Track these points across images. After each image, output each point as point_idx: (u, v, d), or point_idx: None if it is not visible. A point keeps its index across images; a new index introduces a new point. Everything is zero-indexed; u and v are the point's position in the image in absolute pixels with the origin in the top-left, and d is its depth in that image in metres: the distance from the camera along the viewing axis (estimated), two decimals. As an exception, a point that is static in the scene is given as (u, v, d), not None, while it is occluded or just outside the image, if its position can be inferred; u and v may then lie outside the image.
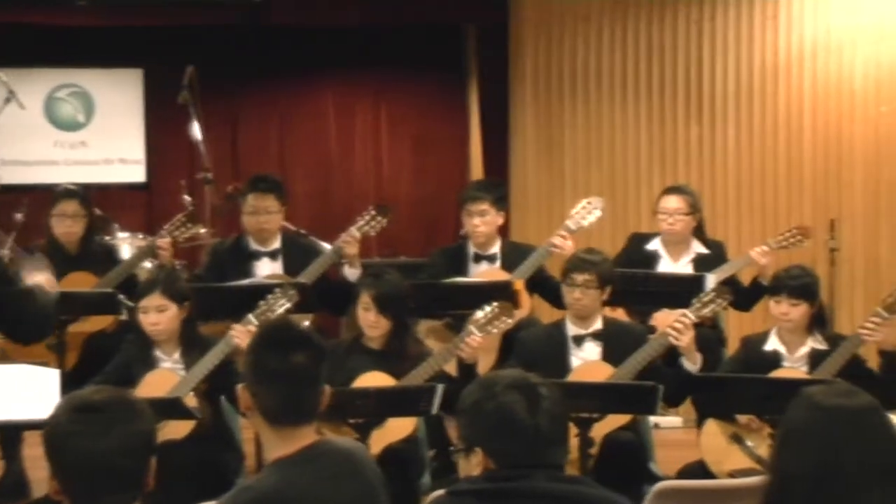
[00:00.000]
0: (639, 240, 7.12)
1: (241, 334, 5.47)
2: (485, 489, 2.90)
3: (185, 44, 8.97)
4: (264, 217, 6.71)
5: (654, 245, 6.94)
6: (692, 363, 5.64)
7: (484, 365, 6.02)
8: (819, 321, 5.81)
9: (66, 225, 6.78)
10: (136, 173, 9.31)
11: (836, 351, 5.59)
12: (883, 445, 2.66)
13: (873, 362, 5.78)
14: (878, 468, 2.63)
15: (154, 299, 5.58)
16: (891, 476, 2.64)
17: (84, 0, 8.83)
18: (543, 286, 6.69)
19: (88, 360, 6.29)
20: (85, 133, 9.33)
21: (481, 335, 5.58)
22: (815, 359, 5.67)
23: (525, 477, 2.87)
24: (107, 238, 7.66)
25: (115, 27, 8.92)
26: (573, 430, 5.03)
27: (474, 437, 2.95)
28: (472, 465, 2.96)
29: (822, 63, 8.89)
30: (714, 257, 6.88)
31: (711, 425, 5.61)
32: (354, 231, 6.57)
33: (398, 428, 5.45)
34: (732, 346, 6.52)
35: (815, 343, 5.73)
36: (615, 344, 5.78)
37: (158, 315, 5.57)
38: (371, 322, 5.67)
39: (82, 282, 6.60)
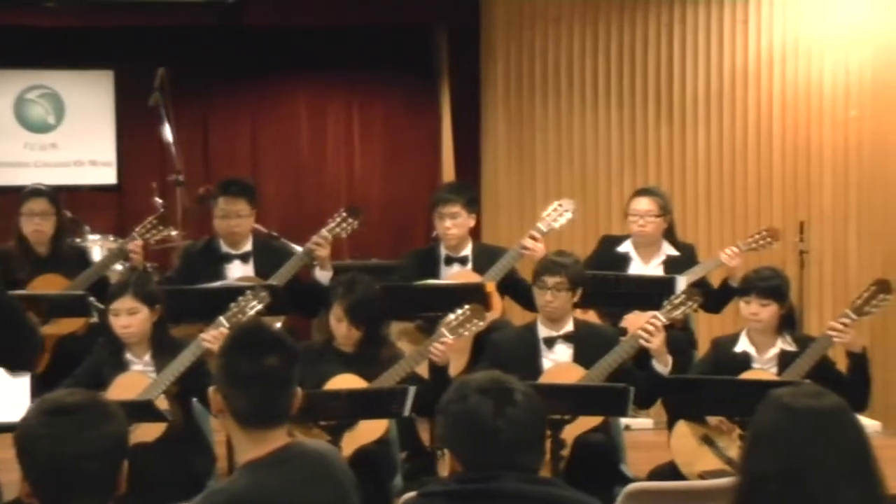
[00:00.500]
0: (610, 242, 7.14)
1: (212, 337, 5.46)
2: (455, 490, 2.91)
3: (156, 45, 8.95)
4: (235, 221, 6.69)
5: (625, 247, 6.96)
6: (663, 365, 5.67)
7: (456, 367, 6.03)
8: (788, 323, 5.84)
9: (35, 223, 6.74)
10: (107, 175, 9.28)
11: (806, 352, 5.62)
12: (851, 446, 2.68)
13: (842, 364, 5.82)
14: (846, 468, 2.65)
15: (125, 302, 5.56)
16: (859, 476, 2.66)
17: (53, 1, 8.79)
18: (515, 288, 6.70)
19: (59, 363, 6.26)
20: (55, 135, 9.30)
21: (453, 337, 5.59)
22: (785, 360, 5.70)
23: (495, 478, 2.88)
24: (77, 240, 7.64)
25: (86, 28, 8.90)
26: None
27: (444, 439, 2.98)
28: (446, 466, 2.98)
29: (792, 67, 8.94)
30: (684, 259, 6.90)
31: (682, 427, 5.63)
32: (326, 233, 6.57)
33: (370, 430, 5.45)
34: (703, 348, 6.55)
35: (784, 344, 5.77)
36: (586, 346, 5.80)
37: (129, 318, 5.55)
38: (343, 333, 5.69)
39: (53, 284, 6.57)
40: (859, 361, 5.71)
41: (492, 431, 2.88)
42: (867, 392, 5.74)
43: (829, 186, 8.94)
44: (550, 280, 5.83)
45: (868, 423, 6.64)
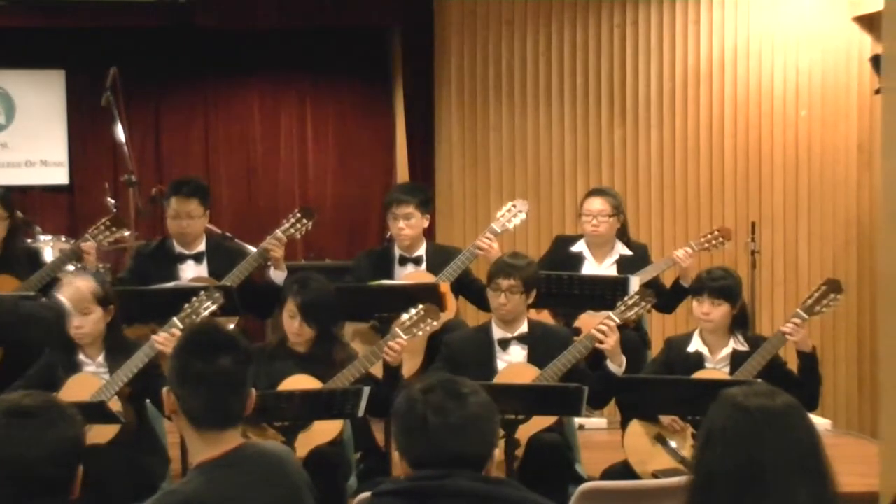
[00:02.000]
0: (563, 242, 7.16)
1: (166, 338, 5.44)
2: (406, 489, 2.92)
3: (108, 45, 8.89)
4: (186, 221, 6.66)
5: (579, 247, 6.99)
6: (617, 365, 5.69)
7: (409, 368, 6.04)
8: (740, 322, 5.87)
9: (-13, 225, 6.68)
10: (59, 175, 9.21)
11: (757, 352, 5.66)
12: (803, 444, 2.71)
13: (792, 363, 5.86)
14: (798, 466, 2.68)
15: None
16: (810, 474, 2.69)
17: (4, 0, 8.72)
18: (469, 289, 6.72)
19: (9, 364, 6.20)
20: (6, 135, 9.22)
21: (406, 338, 5.59)
22: (737, 360, 5.74)
23: (447, 477, 2.89)
24: (29, 241, 7.58)
25: (37, 28, 8.83)
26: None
27: (395, 438, 2.99)
28: (400, 466, 3.00)
29: (743, 68, 9.01)
30: (637, 259, 6.94)
31: (635, 426, 5.66)
32: (280, 234, 6.55)
33: (324, 431, 5.45)
34: (656, 348, 6.58)
35: (736, 344, 5.80)
36: (540, 346, 5.82)
37: (83, 318, 5.51)
38: (295, 330, 5.67)
39: (4, 285, 6.51)
40: (809, 361, 5.76)
41: (432, 431, 2.89)
42: (817, 391, 5.79)
43: (780, 187, 9.02)
44: (504, 283, 5.84)
45: (818, 421, 6.70)
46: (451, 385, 2.98)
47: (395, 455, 3.01)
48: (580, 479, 5.42)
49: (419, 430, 2.91)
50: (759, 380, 5.34)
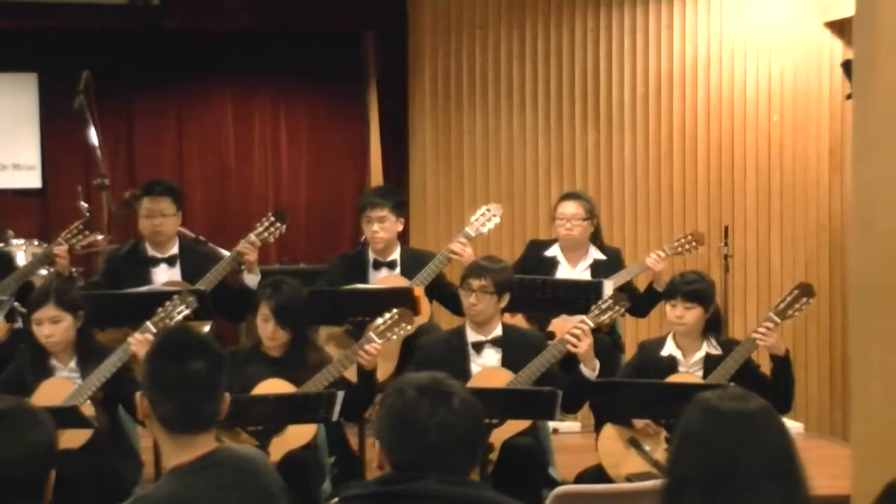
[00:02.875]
0: (537, 246, 7.17)
1: (139, 342, 5.43)
2: (374, 493, 2.91)
3: (81, 48, 8.85)
4: (159, 220, 6.65)
5: (553, 251, 7.00)
6: (590, 369, 5.69)
7: (383, 371, 6.04)
8: (713, 326, 5.89)
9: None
10: (31, 179, 9.16)
11: (730, 356, 5.69)
12: (776, 448, 2.73)
13: (765, 367, 5.89)
14: (772, 468, 2.69)
15: (47, 311, 5.50)
16: (784, 477, 2.71)
17: (-25, 2, 8.68)
18: (442, 292, 6.72)
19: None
20: (-23, 138, 9.16)
21: (381, 342, 5.59)
22: (710, 363, 5.75)
23: (415, 479, 2.87)
24: (1, 244, 7.54)
25: (9, 30, 8.78)
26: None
27: (377, 431, 2.98)
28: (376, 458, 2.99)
29: (716, 72, 9.04)
30: (611, 263, 6.95)
31: (609, 430, 5.67)
32: (253, 237, 6.54)
33: (298, 435, 5.44)
34: (629, 352, 6.59)
35: (709, 348, 5.82)
36: (514, 350, 5.82)
37: (53, 326, 5.50)
38: (269, 333, 5.66)
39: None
40: (782, 365, 5.78)
41: (421, 432, 2.87)
42: (790, 394, 5.81)
43: (753, 191, 9.05)
44: (475, 283, 5.85)
45: (790, 424, 6.72)
46: (445, 386, 2.95)
47: (370, 458, 3.00)
48: (554, 483, 5.43)
49: (417, 439, 2.88)
50: (732, 383, 5.35)
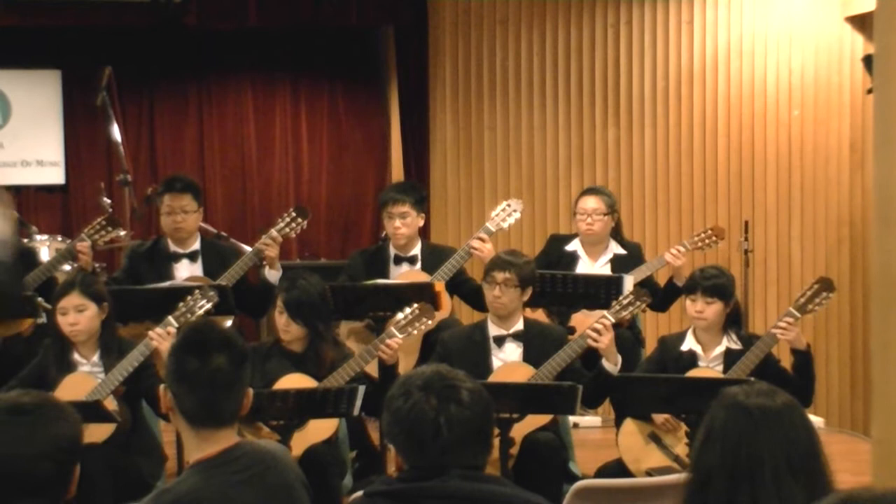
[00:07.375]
0: (557, 241, 7.17)
1: (160, 337, 5.45)
2: (397, 490, 2.91)
3: (104, 45, 8.89)
4: (180, 216, 6.66)
5: (573, 246, 7.00)
6: (612, 364, 5.70)
7: (404, 366, 6.05)
8: (734, 321, 5.89)
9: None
10: (54, 175, 9.21)
11: (750, 350, 5.68)
12: (802, 442, 2.73)
13: (786, 362, 5.89)
14: (796, 465, 2.70)
15: (73, 299, 5.53)
16: (808, 472, 2.71)
17: (-1, 0, 8.72)
18: (463, 288, 6.73)
19: (3, 364, 6.21)
20: (1, 135, 9.21)
21: (401, 336, 5.61)
22: (730, 358, 5.75)
23: (438, 476, 2.88)
24: (25, 240, 7.58)
25: (32, 28, 8.83)
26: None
27: (387, 434, 2.97)
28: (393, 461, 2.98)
29: (736, 67, 9.03)
30: (631, 258, 6.95)
31: (629, 425, 5.67)
32: (274, 233, 6.56)
33: (319, 429, 5.45)
34: (650, 347, 6.59)
35: (729, 343, 5.82)
36: (535, 345, 5.83)
37: (77, 315, 5.52)
38: (282, 325, 5.68)
39: None
40: (803, 359, 5.78)
41: (433, 430, 2.86)
42: (811, 389, 5.81)
43: (773, 186, 9.04)
44: (499, 276, 5.86)
45: (811, 419, 6.71)
46: (450, 380, 2.93)
47: (390, 453, 3.00)
48: (574, 478, 5.44)
49: (431, 439, 2.86)
50: (753, 378, 5.35)
